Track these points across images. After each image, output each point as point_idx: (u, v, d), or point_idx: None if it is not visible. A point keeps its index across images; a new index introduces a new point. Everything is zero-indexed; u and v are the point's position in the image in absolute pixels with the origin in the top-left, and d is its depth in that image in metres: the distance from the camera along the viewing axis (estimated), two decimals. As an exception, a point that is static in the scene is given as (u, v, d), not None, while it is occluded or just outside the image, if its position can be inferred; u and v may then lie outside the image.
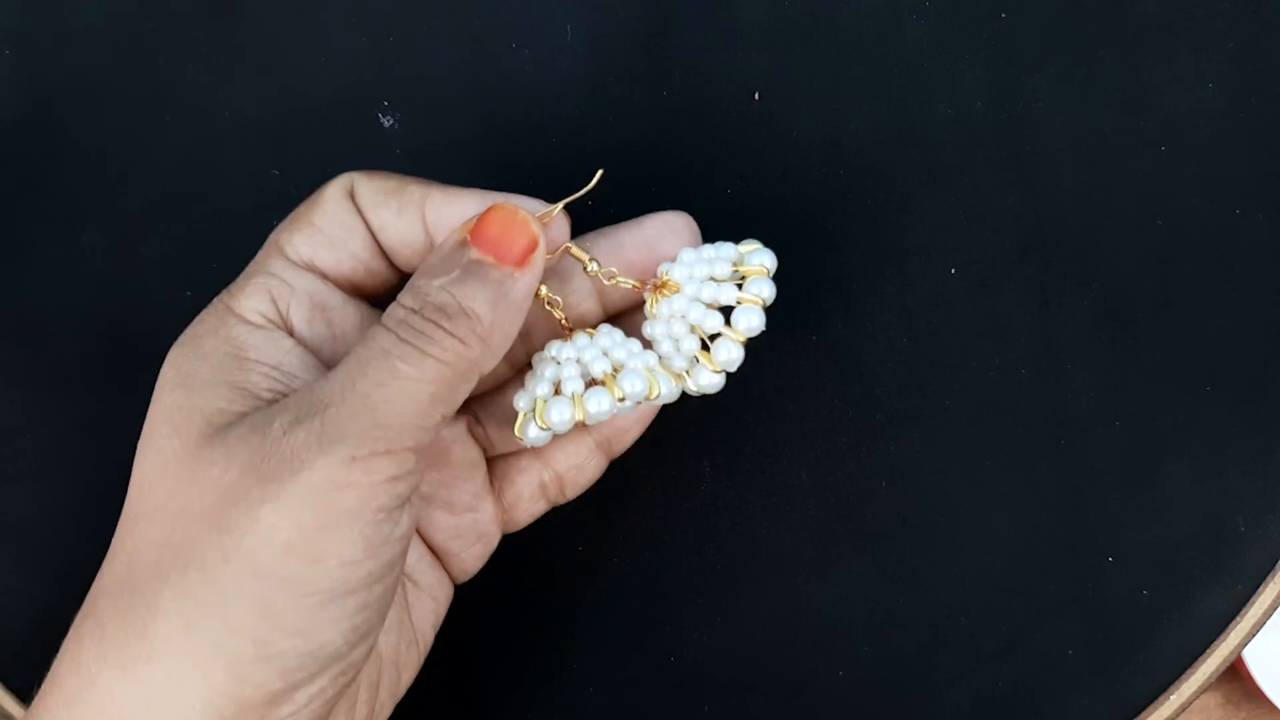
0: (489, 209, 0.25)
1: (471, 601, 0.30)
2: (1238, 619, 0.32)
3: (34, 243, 0.32)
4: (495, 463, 0.29)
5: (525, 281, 0.25)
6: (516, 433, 0.27)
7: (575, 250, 0.27)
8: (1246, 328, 0.32)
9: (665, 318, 0.27)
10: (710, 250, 0.27)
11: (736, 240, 0.28)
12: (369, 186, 0.26)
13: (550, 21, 0.32)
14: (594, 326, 0.28)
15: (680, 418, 0.32)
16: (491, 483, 0.29)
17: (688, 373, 0.28)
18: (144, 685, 0.22)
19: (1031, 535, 0.32)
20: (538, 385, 0.27)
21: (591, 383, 0.27)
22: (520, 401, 0.27)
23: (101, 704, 0.22)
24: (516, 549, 0.31)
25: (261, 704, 0.22)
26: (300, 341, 0.26)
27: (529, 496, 0.29)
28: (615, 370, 0.27)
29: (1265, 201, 0.32)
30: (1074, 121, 0.32)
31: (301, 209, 0.26)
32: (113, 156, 0.32)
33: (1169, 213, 0.32)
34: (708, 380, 0.28)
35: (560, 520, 0.32)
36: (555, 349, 0.27)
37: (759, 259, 0.27)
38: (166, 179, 0.32)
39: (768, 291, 0.27)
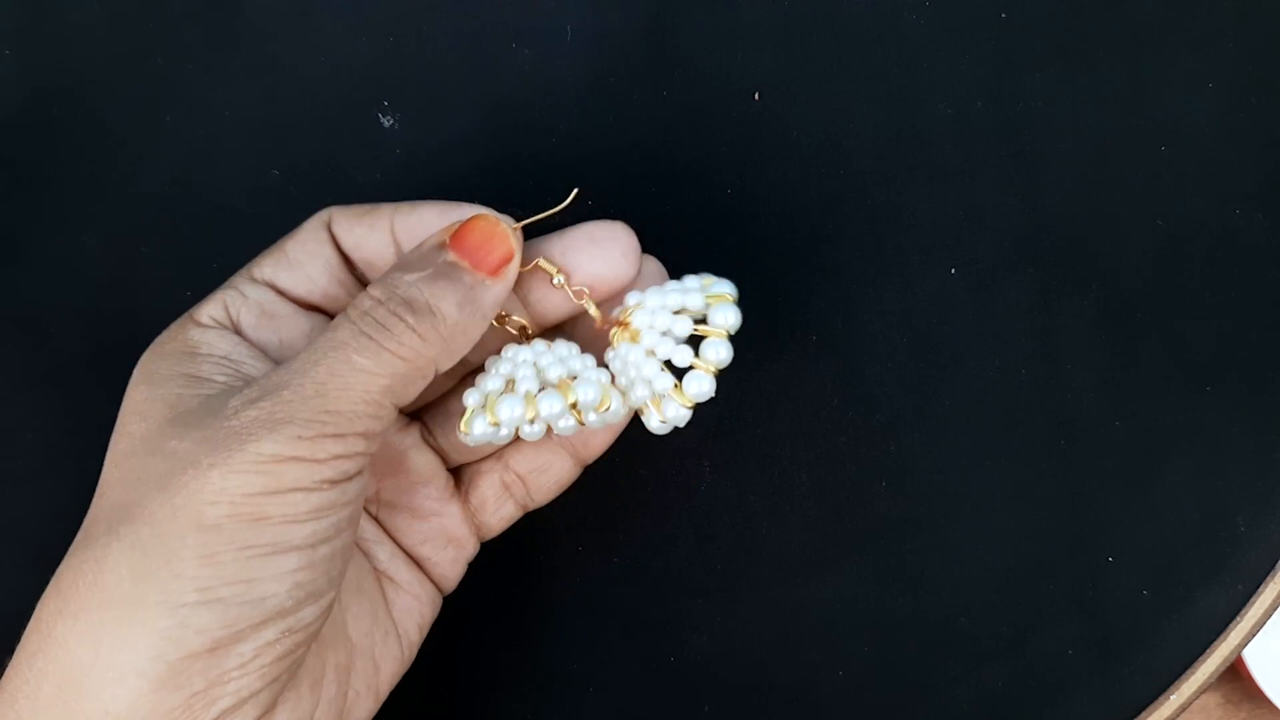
0: (472, 218, 0.26)
1: (471, 602, 0.30)
2: (1238, 619, 0.32)
3: (34, 242, 0.32)
4: (460, 471, 0.30)
5: (495, 291, 0.26)
6: (462, 427, 0.27)
7: (544, 264, 0.27)
8: (1246, 328, 0.32)
9: (624, 357, 0.27)
10: (676, 296, 0.27)
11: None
12: (343, 212, 0.28)
13: (550, 21, 0.32)
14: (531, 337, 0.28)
15: (680, 418, 0.32)
16: (458, 489, 0.30)
17: (652, 404, 0.27)
18: (94, 633, 0.23)
19: (1031, 535, 0.32)
20: (489, 381, 0.27)
21: (543, 388, 0.27)
22: (470, 398, 0.27)
23: (56, 655, 0.23)
24: (516, 549, 0.31)
25: (205, 651, 0.23)
26: (247, 341, 0.27)
27: (494, 498, 0.29)
28: (572, 378, 0.27)
29: (1265, 201, 0.32)
30: (1074, 121, 0.32)
31: (281, 240, 0.28)
32: (112, 156, 0.32)
33: (1169, 213, 0.32)
34: (675, 413, 0.27)
35: (560, 520, 0.32)
36: (511, 351, 0.27)
37: (721, 290, 0.27)
38: (166, 179, 0.32)
39: (734, 319, 0.27)
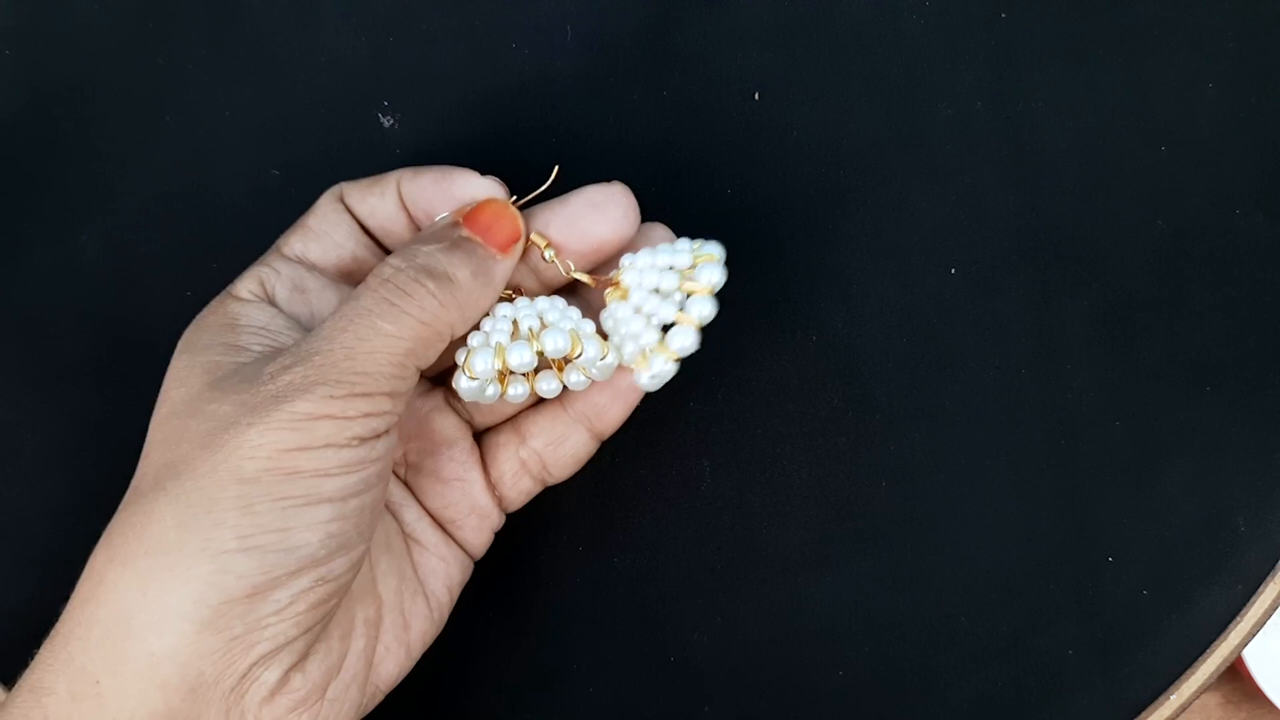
0: (484, 201, 0.28)
1: (472, 601, 0.30)
2: (1238, 619, 0.32)
3: (34, 243, 0.32)
4: (482, 441, 0.31)
5: (504, 266, 0.28)
6: (453, 384, 0.28)
7: (535, 238, 0.28)
8: (1246, 328, 0.32)
9: (614, 315, 0.28)
10: (665, 256, 0.28)
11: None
12: (354, 185, 0.29)
13: (550, 21, 0.32)
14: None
15: (680, 418, 0.32)
16: (483, 461, 0.30)
17: (639, 361, 0.28)
18: (141, 578, 0.25)
19: (1031, 535, 0.32)
20: (472, 338, 0.28)
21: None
22: (459, 356, 0.28)
23: (106, 599, 0.25)
24: (517, 549, 0.31)
25: (244, 596, 0.24)
26: (282, 312, 0.29)
27: (511, 473, 0.30)
28: (543, 326, 0.28)
29: (1265, 202, 0.32)
30: (1074, 121, 0.32)
31: (301, 217, 0.30)
32: (113, 156, 0.32)
33: (1169, 213, 0.32)
34: (660, 368, 0.28)
35: (560, 520, 0.32)
36: (496, 309, 0.28)
37: (709, 250, 0.28)
38: (166, 179, 0.32)
39: (718, 276, 0.28)
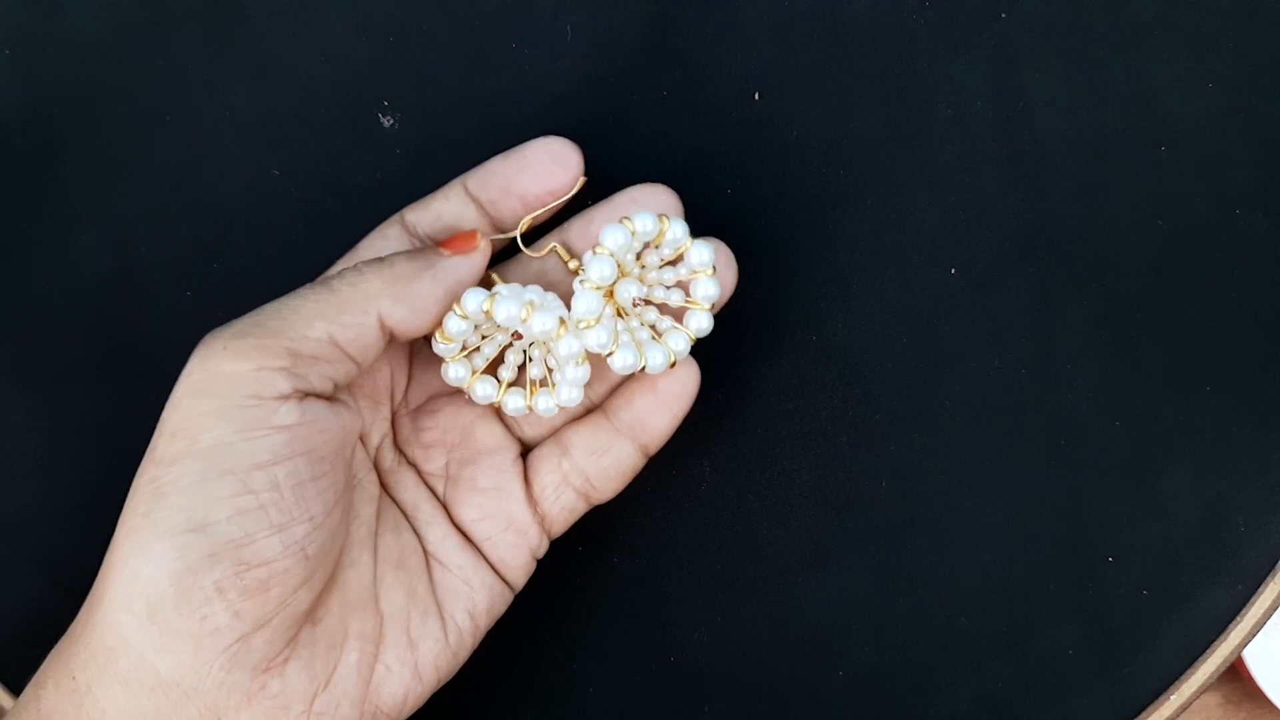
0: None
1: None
2: (1238, 619, 0.32)
3: (34, 243, 0.32)
4: (526, 458, 0.30)
5: (450, 261, 0.27)
6: (437, 337, 0.28)
7: (559, 249, 0.29)
8: (1246, 328, 0.32)
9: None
10: (635, 234, 0.28)
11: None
12: (412, 208, 0.30)
13: (550, 21, 0.32)
14: None
15: (680, 418, 0.32)
16: (526, 478, 0.30)
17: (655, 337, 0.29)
18: (112, 566, 0.25)
19: (1031, 535, 0.32)
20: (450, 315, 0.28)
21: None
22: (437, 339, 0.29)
23: (90, 603, 0.26)
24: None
25: (168, 585, 0.25)
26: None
27: (554, 486, 0.30)
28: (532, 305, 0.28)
29: (1265, 202, 0.32)
30: (1074, 121, 0.32)
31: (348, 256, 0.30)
32: (113, 156, 0.32)
33: (1169, 213, 0.32)
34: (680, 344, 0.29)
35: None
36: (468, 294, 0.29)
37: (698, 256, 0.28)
38: (167, 179, 0.32)
39: (708, 257, 0.28)
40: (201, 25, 0.32)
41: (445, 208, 0.29)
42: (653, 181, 0.29)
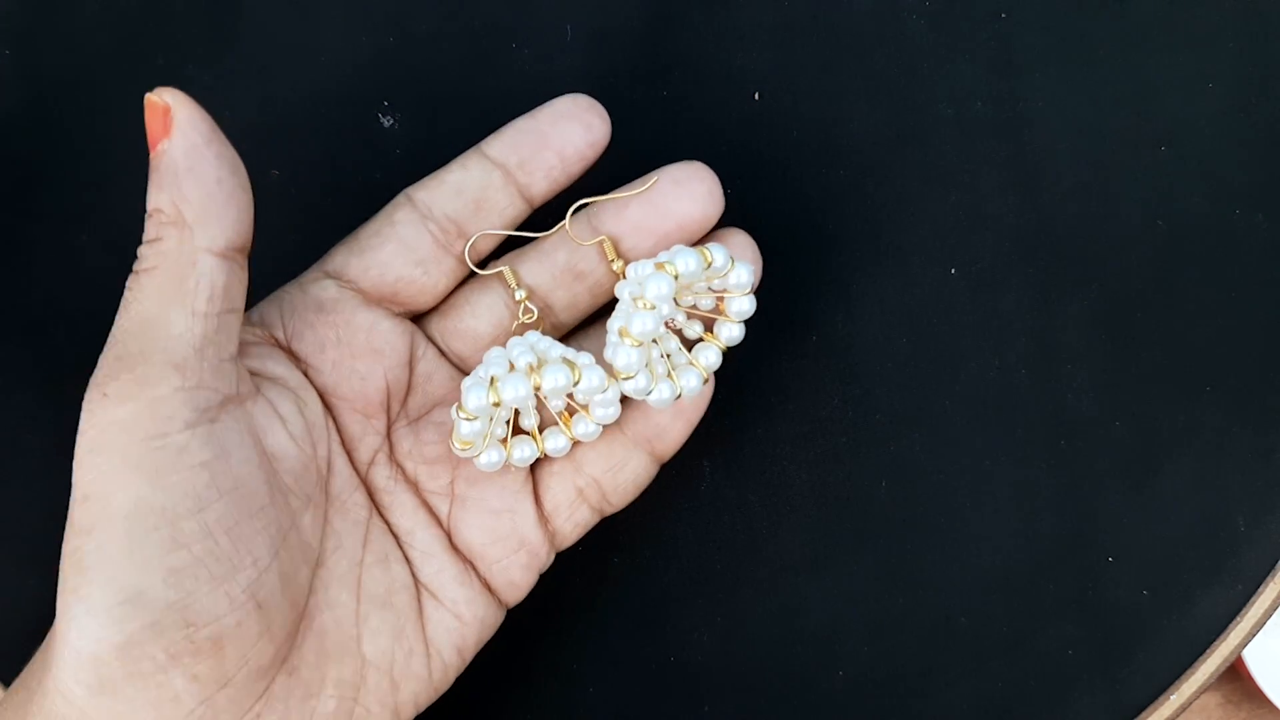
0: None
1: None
2: (1238, 619, 0.32)
3: (34, 243, 0.32)
4: (535, 471, 0.29)
5: (176, 145, 0.24)
6: (454, 441, 0.26)
7: (606, 245, 0.27)
8: (1246, 328, 0.32)
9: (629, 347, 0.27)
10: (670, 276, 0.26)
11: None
12: (420, 185, 0.28)
13: (550, 21, 0.32)
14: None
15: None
16: (536, 495, 0.28)
17: (671, 374, 0.28)
18: (57, 634, 0.23)
19: (1031, 535, 0.32)
20: (465, 380, 0.26)
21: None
22: (454, 411, 0.26)
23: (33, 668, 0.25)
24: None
25: (121, 660, 0.22)
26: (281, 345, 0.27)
27: (568, 503, 0.28)
28: (540, 363, 0.26)
29: (1265, 201, 0.32)
30: (1074, 121, 0.32)
31: (349, 238, 0.28)
32: (113, 156, 0.32)
33: (1169, 213, 0.32)
34: (692, 382, 0.28)
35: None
36: (490, 352, 0.27)
37: (737, 275, 0.27)
38: (166, 179, 0.32)
39: (747, 279, 0.27)
40: (201, 25, 0.32)
41: (465, 179, 0.27)
42: (684, 161, 0.28)
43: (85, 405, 0.23)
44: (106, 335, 0.32)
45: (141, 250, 0.24)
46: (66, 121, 0.32)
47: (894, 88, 0.32)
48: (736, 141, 0.32)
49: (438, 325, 0.28)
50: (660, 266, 0.26)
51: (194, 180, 0.23)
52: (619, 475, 0.28)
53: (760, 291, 0.31)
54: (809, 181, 0.32)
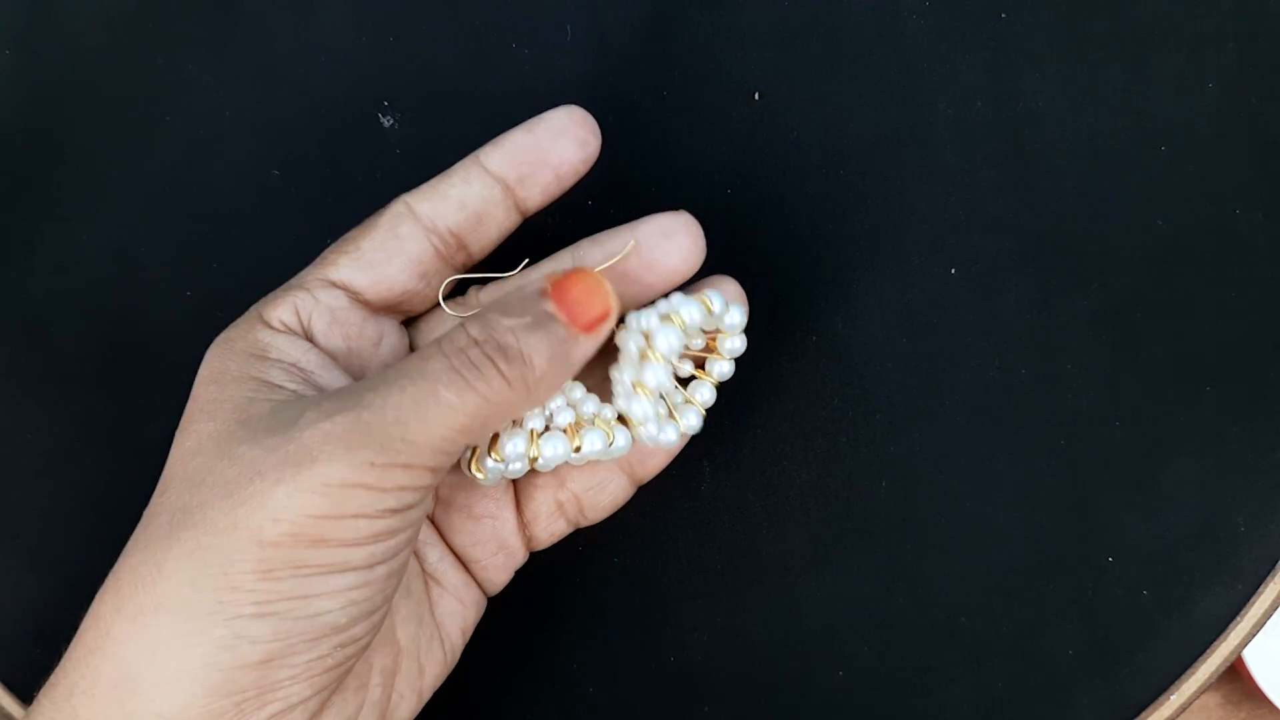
0: (575, 273, 0.26)
1: (471, 601, 0.30)
2: (1238, 619, 0.32)
3: (34, 243, 0.32)
4: (517, 482, 0.30)
5: (585, 348, 0.26)
6: (473, 468, 0.28)
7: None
8: (1246, 328, 0.32)
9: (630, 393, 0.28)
10: (674, 334, 0.27)
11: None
12: (415, 194, 0.28)
13: (550, 21, 0.32)
14: None
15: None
16: (517, 503, 0.30)
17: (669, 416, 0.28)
18: (150, 635, 0.23)
19: (1031, 535, 0.32)
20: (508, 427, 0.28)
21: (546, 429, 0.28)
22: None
23: (114, 653, 0.24)
24: (516, 549, 0.31)
25: (259, 662, 0.23)
26: (318, 348, 0.27)
27: (546, 514, 0.30)
28: (579, 424, 0.28)
29: (1265, 202, 0.32)
30: (1074, 121, 0.32)
31: (354, 231, 0.28)
32: (113, 156, 0.32)
33: (1169, 213, 0.32)
34: (691, 423, 0.28)
35: (560, 520, 0.32)
36: None
37: (731, 318, 0.28)
38: (167, 179, 0.32)
39: (740, 320, 0.28)
40: (201, 25, 0.32)
41: (468, 194, 0.27)
42: (671, 211, 0.28)
43: (342, 462, 0.24)
44: (106, 335, 0.32)
45: (487, 369, 0.24)
46: (66, 122, 0.32)
47: (894, 88, 0.32)
48: (736, 141, 0.32)
49: (421, 327, 0.30)
50: (666, 318, 0.27)
51: (562, 377, 0.25)
52: (599, 495, 0.30)
53: (760, 291, 0.31)
54: (809, 181, 0.32)
